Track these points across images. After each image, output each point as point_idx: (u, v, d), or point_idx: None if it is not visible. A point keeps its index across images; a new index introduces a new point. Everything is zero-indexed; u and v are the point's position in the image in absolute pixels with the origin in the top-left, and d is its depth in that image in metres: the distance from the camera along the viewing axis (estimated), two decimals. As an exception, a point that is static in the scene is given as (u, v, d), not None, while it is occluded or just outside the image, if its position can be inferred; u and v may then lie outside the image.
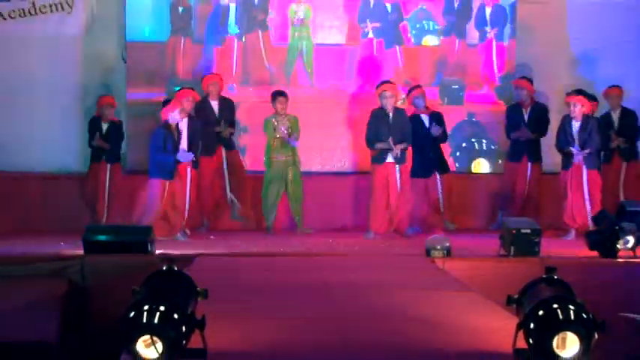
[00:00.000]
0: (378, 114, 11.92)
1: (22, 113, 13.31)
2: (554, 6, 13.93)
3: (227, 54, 13.67)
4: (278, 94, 12.38)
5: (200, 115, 12.39)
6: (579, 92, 11.83)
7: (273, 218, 12.45)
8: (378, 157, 11.88)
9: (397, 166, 11.84)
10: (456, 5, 13.55)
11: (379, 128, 11.83)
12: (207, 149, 12.44)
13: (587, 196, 11.59)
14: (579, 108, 11.62)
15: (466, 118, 13.25)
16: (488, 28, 13.61)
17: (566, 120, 11.76)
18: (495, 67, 13.66)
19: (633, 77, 13.48)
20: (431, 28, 13.63)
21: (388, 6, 13.55)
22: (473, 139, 13.37)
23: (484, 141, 13.46)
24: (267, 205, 12.40)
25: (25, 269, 9.32)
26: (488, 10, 13.56)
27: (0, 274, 9.19)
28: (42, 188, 13.00)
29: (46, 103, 13.35)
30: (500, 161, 13.54)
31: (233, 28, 13.59)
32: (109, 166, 12.56)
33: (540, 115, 12.69)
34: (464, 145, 12.97)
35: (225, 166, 12.66)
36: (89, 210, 12.57)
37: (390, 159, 11.80)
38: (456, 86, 13.38)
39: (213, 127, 12.47)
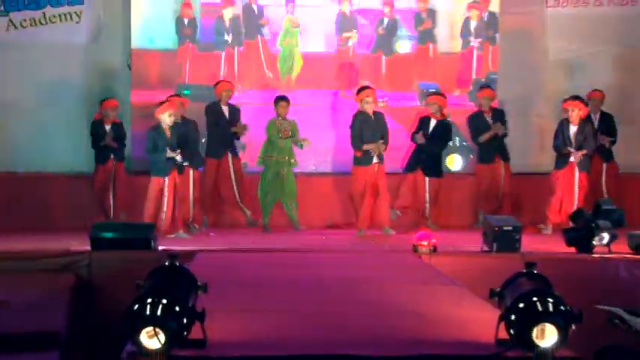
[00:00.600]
0: (361, 117, 11.91)
1: (32, 116, 13.29)
2: (535, 16, 13.95)
3: (229, 60, 13.72)
4: (280, 99, 12.35)
5: (211, 117, 12.48)
6: (576, 98, 11.85)
7: (270, 216, 12.40)
8: (364, 159, 11.85)
9: (378, 165, 11.85)
10: (424, 16, 13.70)
11: (363, 130, 11.84)
12: (215, 152, 12.48)
13: (576, 196, 11.61)
14: (577, 113, 11.67)
15: (441, 118, 13.32)
16: (472, 38, 13.71)
17: (564, 123, 11.79)
18: (474, 73, 13.77)
19: (607, 84, 13.49)
20: (402, 34, 13.81)
21: (385, 20, 13.69)
22: None
23: (457, 138, 13.44)
24: (265, 204, 12.36)
25: (36, 264, 9.33)
26: (473, 23, 13.66)
27: (12, 268, 9.19)
28: (50, 188, 12.97)
29: (54, 106, 13.33)
30: (471, 156, 13.59)
31: (235, 36, 13.64)
32: (114, 164, 12.51)
33: (502, 118, 12.77)
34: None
35: (232, 173, 12.60)
36: (97, 208, 12.50)
37: (375, 160, 11.81)
38: (433, 89, 13.42)
39: (224, 130, 12.44)
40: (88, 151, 12.92)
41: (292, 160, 12.34)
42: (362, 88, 12.14)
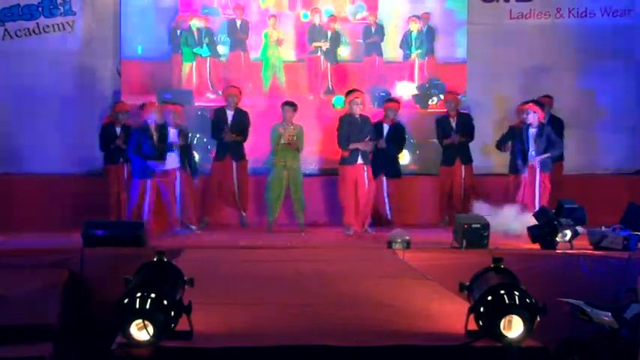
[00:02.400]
0: (347, 119, 11.80)
1: (27, 120, 13.26)
2: (498, 27, 14.02)
3: (214, 68, 13.81)
4: (285, 104, 12.20)
5: (215, 122, 12.46)
6: (531, 101, 11.75)
7: (274, 217, 12.19)
8: (350, 159, 11.69)
9: (365, 166, 11.73)
10: (373, 30, 13.94)
11: (350, 131, 11.71)
12: (218, 155, 12.46)
13: (537, 198, 11.43)
14: (532, 115, 11.40)
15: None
16: (412, 49, 13.93)
17: (523, 127, 11.47)
18: (416, 79, 13.95)
19: (566, 90, 13.55)
20: (343, 41, 14.10)
21: (328, 33, 13.94)
22: None
23: (405, 136, 13.45)
24: (270, 204, 12.19)
25: (31, 260, 9.28)
26: (414, 35, 13.90)
27: (8, 264, 9.14)
28: (45, 188, 12.89)
29: (48, 110, 13.30)
30: (417, 152, 13.76)
31: (221, 46, 13.79)
32: (126, 166, 12.26)
33: (467, 122, 12.78)
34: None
35: (235, 176, 12.50)
36: (110, 207, 12.25)
37: (360, 160, 11.68)
38: (383, 93, 13.68)
39: (222, 135, 12.40)
40: (80, 153, 12.92)
41: (298, 164, 12.21)
42: (351, 91, 12.06)
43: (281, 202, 12.15)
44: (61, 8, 13.58)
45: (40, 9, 13.52)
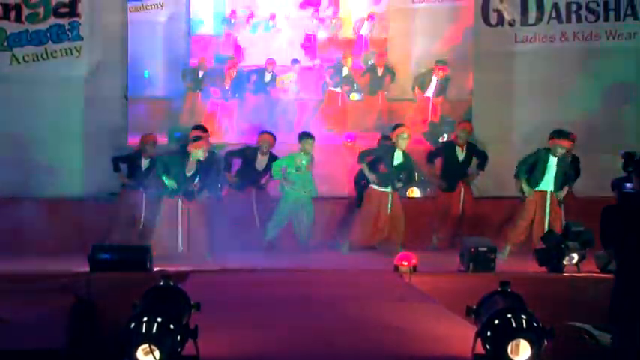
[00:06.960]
0: (386, 148, 11.95)
1: (34, 145, 13.28)
2: (506, 51, 14.05)
3: (232, 109, 14.08)
4: (308, 136, 12.23)
5: (244, 160, 12.56)
6: (560, 134, 11.49)
7: (274, 236, 12.21)
8: (380, 182, 11.78)
9: (390, 194, 11.75)
10: (383, 73, 14.23)
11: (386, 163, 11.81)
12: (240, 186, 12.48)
13: (547, 224, 11.33)
14: (560, 150, 11.28)
15: (401, 156, 13.59)
16: (430, 91, 14.11)
17: (549, 156, 11.32)
18: (430, 116, 14.11)
19: (573, 114, 13.53)
20: (355, 88, 14.42)
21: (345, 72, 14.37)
22: None
23: (416, 174, 13.35)
24: (275, 225, 12.16)
25: (38, 285, 9.27)
26: (434, 79, 14.08)
27: (15, 289, 9.13)
28: (51, 213, 12.86)
29: (55, 136, 13.33)
30: (428, 189, 13.64)
31: (241, 88, 14.10)
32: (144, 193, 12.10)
33: (477, 150, 12.73)
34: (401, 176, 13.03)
35: (254, 204, 12.41)
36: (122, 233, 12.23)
37: (389, 188, 11.71)
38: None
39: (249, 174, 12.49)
40: (88, 177, 12.95)
41: (312, 193, 12.20)
42: (397, 125, 12.01)
43: (283, 227, 12.15)
44: (69, 34, 13.64)
45: (48, 34, 13.59)
